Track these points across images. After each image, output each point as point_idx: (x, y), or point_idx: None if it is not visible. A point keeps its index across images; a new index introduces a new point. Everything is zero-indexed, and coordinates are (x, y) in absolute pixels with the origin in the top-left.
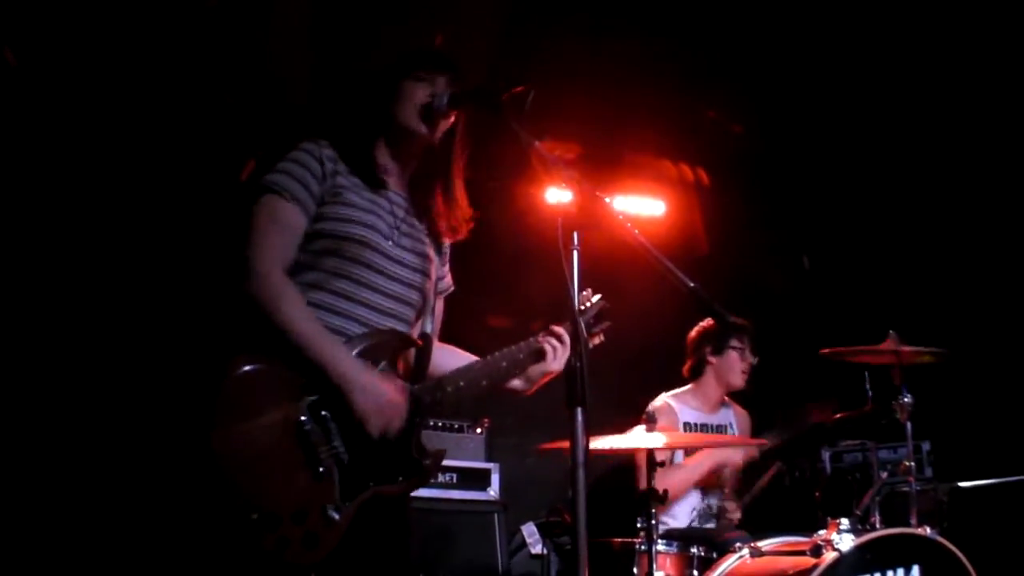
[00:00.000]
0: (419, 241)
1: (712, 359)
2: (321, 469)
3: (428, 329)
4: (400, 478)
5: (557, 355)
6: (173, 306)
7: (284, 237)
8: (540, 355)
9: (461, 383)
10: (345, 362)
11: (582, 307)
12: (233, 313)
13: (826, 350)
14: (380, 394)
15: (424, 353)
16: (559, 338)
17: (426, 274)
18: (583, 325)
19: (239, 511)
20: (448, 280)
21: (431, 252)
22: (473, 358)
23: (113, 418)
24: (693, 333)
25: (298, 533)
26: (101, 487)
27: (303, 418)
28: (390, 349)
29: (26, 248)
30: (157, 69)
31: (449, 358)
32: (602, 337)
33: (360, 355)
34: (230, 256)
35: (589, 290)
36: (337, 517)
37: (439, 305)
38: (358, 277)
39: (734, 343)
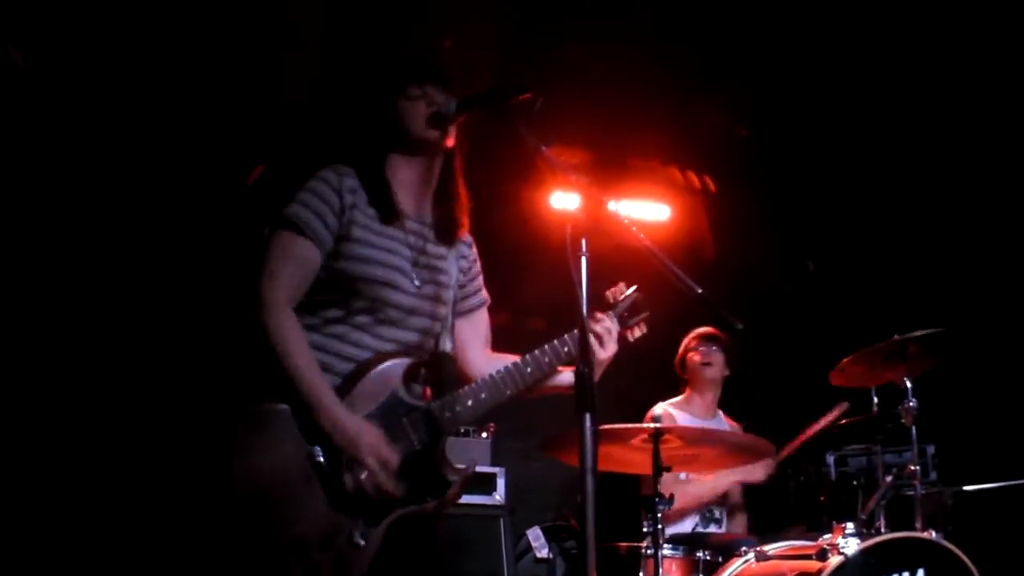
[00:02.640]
0: (438, 270)
1: (685, 373)
2: (341, 496)
3: (447, 348)
4: (428, 498)
5: (604, 343)
6: (184, 328)
7: (296, 272)
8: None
9: (482, 395)
10: (329, 412)
11: (615, 299)
12: (244, 342)
13: (838, 366)
14: (356, 445)
15: (442, 370)
16: (601, 329)
17: (444, 301)
18: (617, 320)
19: (265, 545)
20: (481, 295)
21: (448, 278)
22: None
23: (135, 458)
24: (676, 360)
25: (327, 559)
26: (125, 527)
27: (316, 448)
28: (397, 374)
29: (31, 250)
30: (165, 72)
31: (496, 366)
32: (643, 328)
33: (368, 384)
34: (244, 285)
35: (623, 284)
36: (363, 543)
37: (483, 316)
38: (379, 315)
39: (696, 347)
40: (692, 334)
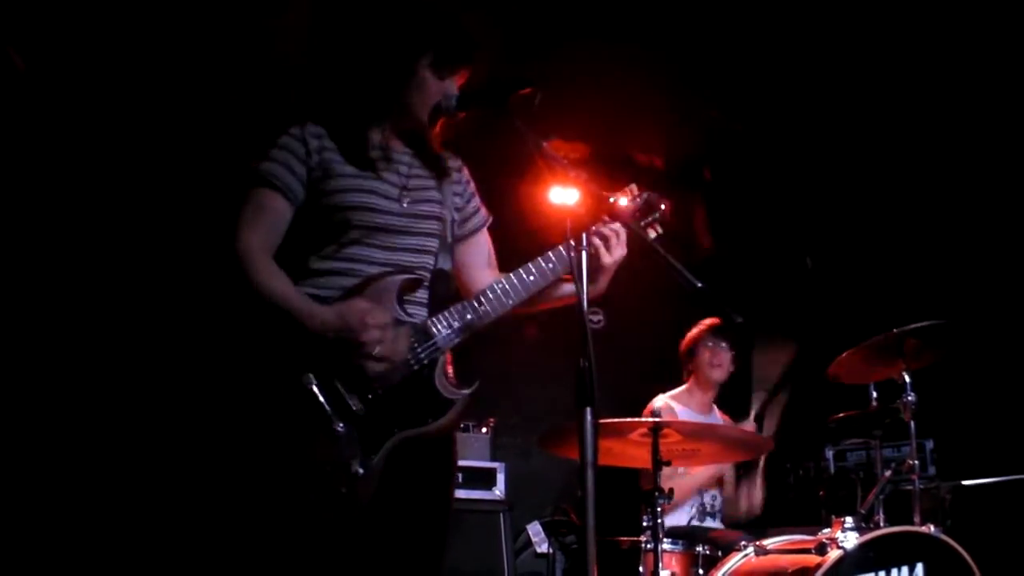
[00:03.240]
0: (429, 189)
1: (690, 364)
2: (338, 427)
3: (446, 267)
4: (429, 419)
5: (610, 246)
6: (183, 300)
7: (266, 221)
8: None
9: (483, 308)
10: (317, 312)
11: (630, 198)
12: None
13: (836, 361)
14: (346, 315)
15: (439, 287)
16: (608, 231)
17: (440, 219)
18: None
19: (268, 479)
20: (481, 215)
21: (442, 197)
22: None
23: (128, 435)
24: (681, 345)
25: (325, 496)
26: (116, 509)
27: (308, 376)
28: (392, 291)
29: (35, 250)
30: (162, 68)
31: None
32: (658, 229)
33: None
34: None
35: (635, 184)
36: (362, 471)
37: (484, 237)
38: (370, 241)
39: (706, 342)
40: (705, 325)
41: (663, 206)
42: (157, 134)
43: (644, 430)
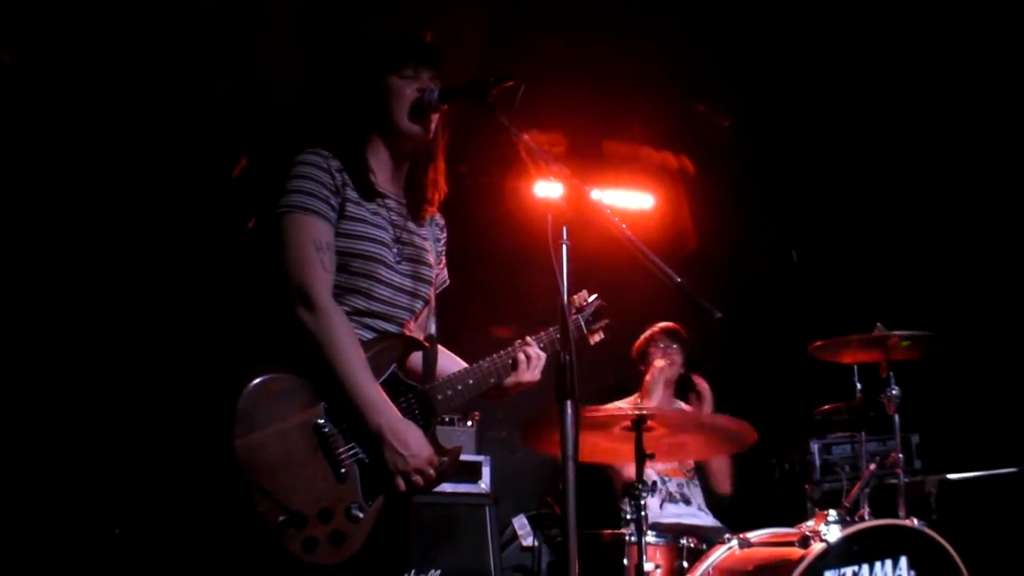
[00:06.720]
0: (419, 248)
1: (642, 366)
2: (343, 470)
3: (433, 330)
4: None
5: (532, 366)
6: (177, 312)
7: (326, 258)
8: (514, 365)
9: (470, 381)
10: (385, 414)
11: (580, 305)
12: (249, 321)
13: (818, 343)
14: (410, 453)
15: (431, 354)
16: (533, 352)
17: (428, 281)
18: (583, 323)
19: (266, 515)
20: (444, 275)
21: (430, 257)
22: (460, 361)
23: (136, 430)
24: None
25: (326, 532)
26: (125, 497)
27: (320, 421)
28: (397, 353)
29: (26, 250)
30: (150, 66)
31: (445, 360)
32: (602, 335)
33: (370, 360)
34: (272, 277)
35: (585, 291)
36: (362, 515)
37: (433, 300)
38: (366, 290)
39: (658, 343)
40: (657, 328)
41: (608, 320)
42: (143, 126)
43: (627, 423)
